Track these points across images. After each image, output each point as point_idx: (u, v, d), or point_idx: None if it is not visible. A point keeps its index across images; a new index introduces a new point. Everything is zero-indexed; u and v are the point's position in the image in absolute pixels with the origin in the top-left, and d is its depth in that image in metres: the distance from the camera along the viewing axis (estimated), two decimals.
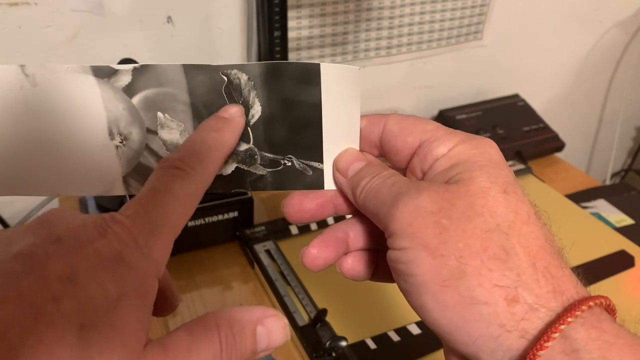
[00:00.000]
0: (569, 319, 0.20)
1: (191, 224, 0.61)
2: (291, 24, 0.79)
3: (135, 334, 0.18)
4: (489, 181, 0.23)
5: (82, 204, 0.70)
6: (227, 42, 0.79)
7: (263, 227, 0.65)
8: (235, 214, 0.64)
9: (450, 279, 0.21)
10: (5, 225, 0.68)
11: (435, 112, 0.97)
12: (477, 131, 0.89)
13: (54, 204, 0.73)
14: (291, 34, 0.80)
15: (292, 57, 0.83)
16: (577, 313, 0.20)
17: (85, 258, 0.18)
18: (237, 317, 0.21)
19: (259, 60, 0.77)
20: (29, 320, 0.16)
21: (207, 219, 0.62)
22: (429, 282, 0.22)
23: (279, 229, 0.66)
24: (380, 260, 0.29)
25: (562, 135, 0.93)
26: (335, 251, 0.28)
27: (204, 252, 0.64)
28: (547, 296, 0.21)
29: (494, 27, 0.99)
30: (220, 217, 0.63)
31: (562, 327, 0.20)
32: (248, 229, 0.65)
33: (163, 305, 0.25)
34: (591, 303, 0.21)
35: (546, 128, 0.93)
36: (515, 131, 0.91)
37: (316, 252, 0.28)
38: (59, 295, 0.17)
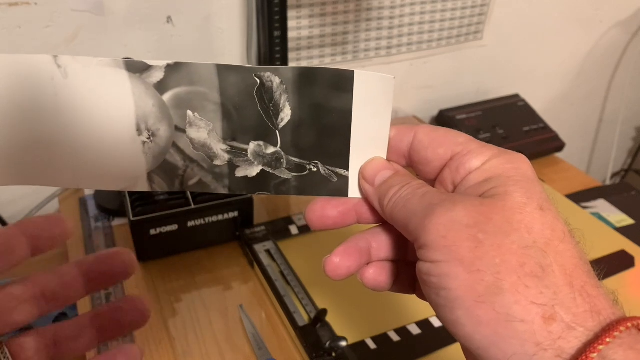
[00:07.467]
0: (608, 340, 0.20)
1: (191, 224, 0.61)
2: (291, 24, 0.80)
3: None
4: (526, 197, 0.23)
5: (82, 205, 0.70)
6: (227, 42, 0.79)
7: (263, 227, 0.65)
8: (235, 214, 0.63)
9: (486, 295, 0.21)
10: (5, 225, 0.68)
11: (435, 112, 0.97)
12: (477, 131, 0.89)
13: (54, 204, 0.73)
14: (291, 34, 0.80)
15: (292, 56, 0.83)
16: (615, 334, 0.20)
17: None
18: None
19: (259, 60, 0.77)
20: None
21: (207, 219, 0.62)
22: (464, 297, 0.21)
23: (279, 229, 0.65)
24: (402, 271, 0.28)
25: (562, 135, 0.93)
26: (358, 261, 0.28)
27: (204, 252, 0.64)
28: (584, 315, 0.21)
29: (494, 27, 0.99)
30: (220, 217, 0.63)
31: (601, 347, 0.20)
32: (248, 229, 0.65)
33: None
34: (629, 324, 0.20)
35: (546, 128, 0.93)
36: (515, 131, 0.91)
37: (339, 261, 0.27)
38: None
